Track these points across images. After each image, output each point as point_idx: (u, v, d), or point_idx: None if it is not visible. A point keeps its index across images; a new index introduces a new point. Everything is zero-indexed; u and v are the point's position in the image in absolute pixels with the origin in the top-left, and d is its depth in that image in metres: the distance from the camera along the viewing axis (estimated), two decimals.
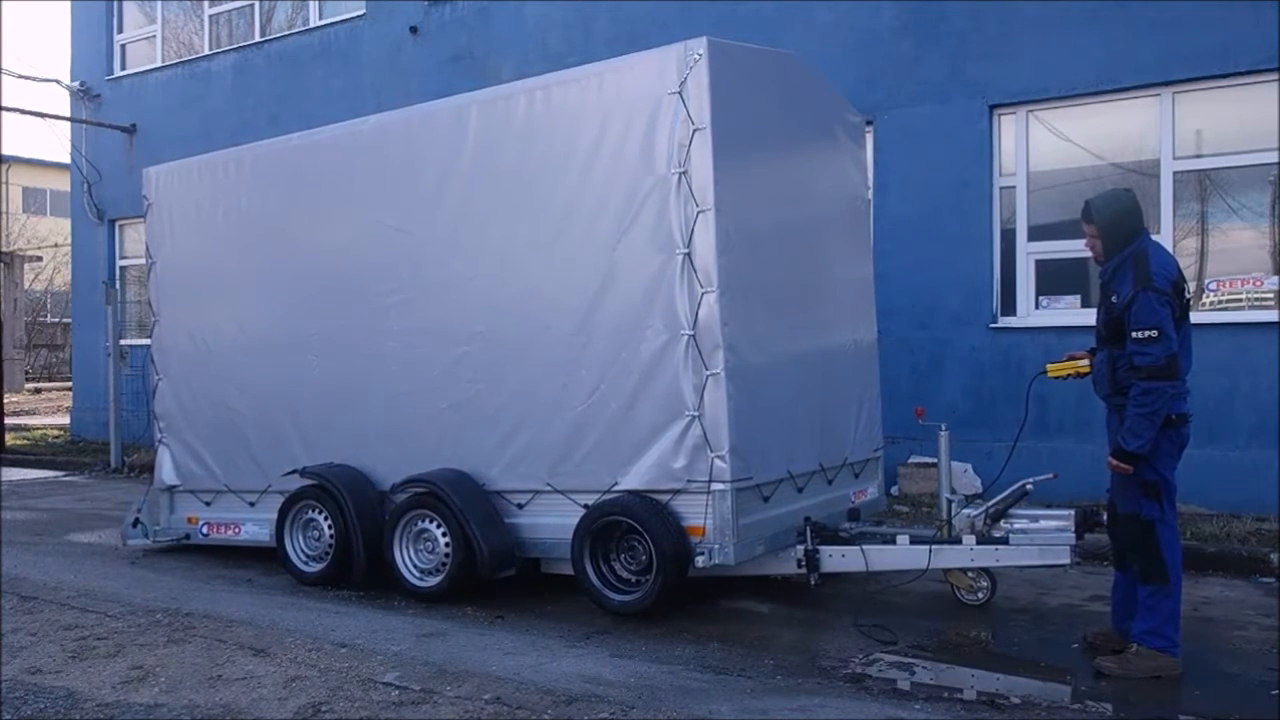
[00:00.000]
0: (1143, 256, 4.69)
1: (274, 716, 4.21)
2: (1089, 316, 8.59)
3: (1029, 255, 9.01)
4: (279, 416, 7.23)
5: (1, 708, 4.38)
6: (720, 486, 5.36)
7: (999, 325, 9.04)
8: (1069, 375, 5.15)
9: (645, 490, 5.59)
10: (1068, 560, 5.37)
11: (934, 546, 5.60)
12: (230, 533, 7.56)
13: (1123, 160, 8.75)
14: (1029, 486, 5.50)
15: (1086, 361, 5.07)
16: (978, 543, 5.50)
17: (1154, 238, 5.16)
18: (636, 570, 5.73)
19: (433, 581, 6.26)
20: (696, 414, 5.41)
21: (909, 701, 4.40)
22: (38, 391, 28.77)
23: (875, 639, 5.29)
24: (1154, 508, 4.65)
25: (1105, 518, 5.34)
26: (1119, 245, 4.81)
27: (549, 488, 5.99)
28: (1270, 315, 8.04)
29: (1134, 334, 4.58)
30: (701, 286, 5.39)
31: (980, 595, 5.88)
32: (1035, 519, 5.42)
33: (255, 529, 7.36)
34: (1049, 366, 5.23)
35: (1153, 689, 4.56)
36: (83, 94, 16.31)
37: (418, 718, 4.17)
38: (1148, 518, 4.66)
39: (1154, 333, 4.53)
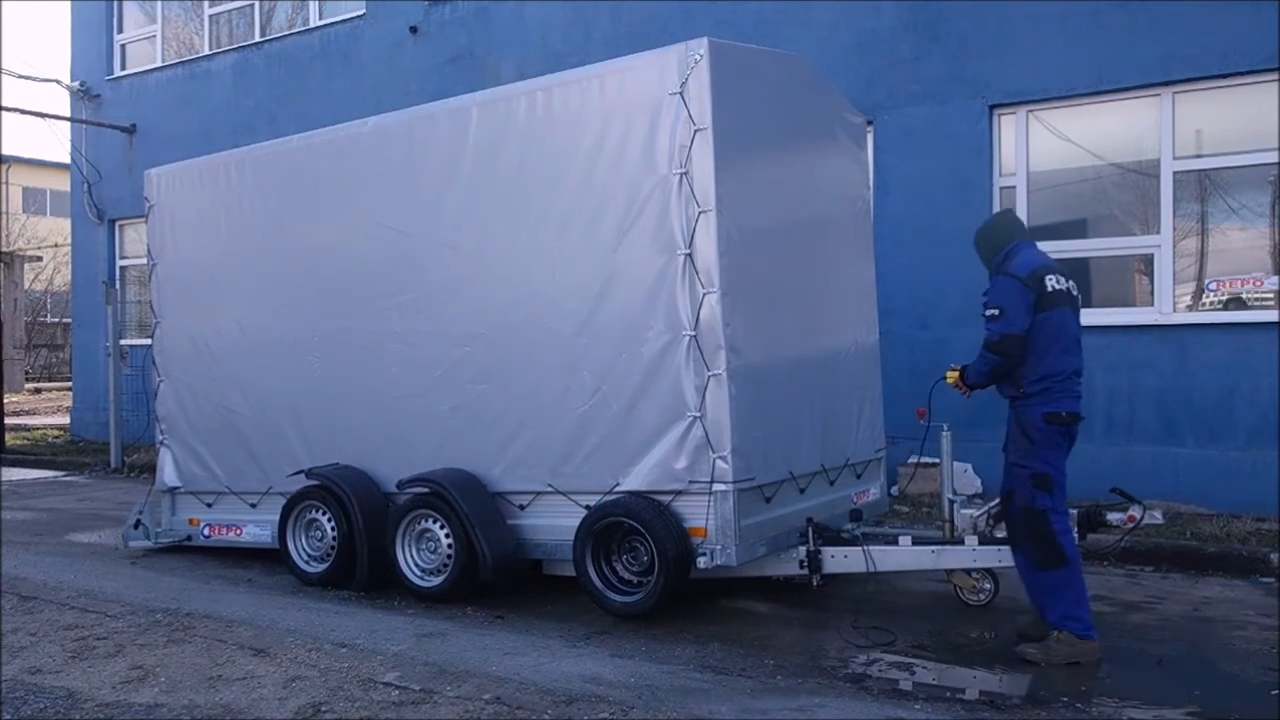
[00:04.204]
0: (1006, 255, 5.10)
1: (274, 716, 4.21)
2: (1089, 317, 8.62)
3: None
4: (280, 418, 7.24)
5: (1, 708, 4.38)
6: (722, 487, 5.35)
7: None
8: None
9: (647, 491, 5.58)
10: None
11: (937, 547, 5.61)
12: (232, 534, 7.57)
13: (1123, 160, 8.75)
14: None
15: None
16: (980, 543, 5.51)
17: (1039, 244, 5.33)
18: (638, 571, 5.73)
19: (435, 581, 6.26)
20: (698, 415, 5.40)
21: (909, 701, 4.40)
22: (38, 391, 28.77)
23: (874, 641, 5.28)
24: (1045, 498, 4.94)
25: (1104, 517, 5.36)
26: (991, 257, 5.21)
27: (551, 489, 5.99)
28: (1270, 315, 8.04)
29: (983, 312, 5.05)
30: (703, 287, 5.38)
31: (983, 596, 5.87)
32: None
33: (257, 530, 7.37)
34: (949, 374, 5.36)
35: (1155, 689, 4.56)
36: (83, 94, 16.30)
37: (418, 718, 4.17)
38: (1040, 507, 4.94)
39: (995, 311, 4.95)
